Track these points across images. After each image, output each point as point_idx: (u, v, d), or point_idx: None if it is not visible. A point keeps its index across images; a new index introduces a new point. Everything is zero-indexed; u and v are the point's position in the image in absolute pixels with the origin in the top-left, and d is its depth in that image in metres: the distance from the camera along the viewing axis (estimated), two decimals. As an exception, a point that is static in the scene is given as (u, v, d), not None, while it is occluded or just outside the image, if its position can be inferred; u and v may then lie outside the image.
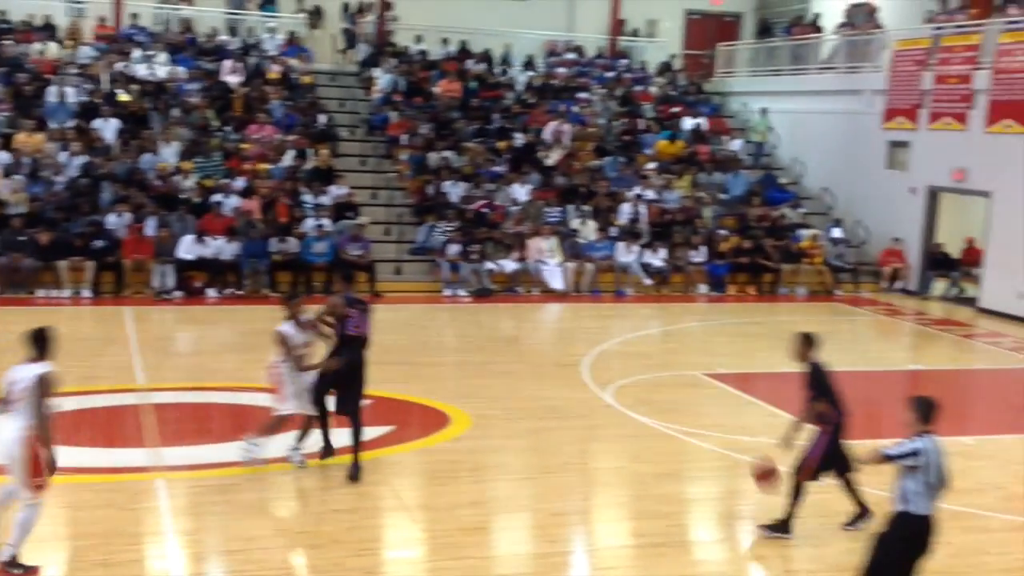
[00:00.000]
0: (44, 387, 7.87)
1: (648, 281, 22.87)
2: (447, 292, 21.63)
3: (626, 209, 24.27)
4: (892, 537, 7.08)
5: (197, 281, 20.45)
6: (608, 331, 19.29)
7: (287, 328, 10.47)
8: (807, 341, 9.29)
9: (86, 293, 19.84)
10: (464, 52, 30.31)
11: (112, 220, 20.71)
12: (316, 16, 31.14)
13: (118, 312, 18.77)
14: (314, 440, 10.73)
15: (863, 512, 9.42)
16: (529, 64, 30.67)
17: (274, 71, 27.12)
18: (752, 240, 23.88)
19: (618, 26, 32.81)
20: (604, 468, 11.70)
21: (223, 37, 29.03)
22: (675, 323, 20.19)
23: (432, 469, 11.05)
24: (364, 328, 10.53)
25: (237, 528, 9.20)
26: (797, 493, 9.24)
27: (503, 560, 8.94)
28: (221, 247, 20.65)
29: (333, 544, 8.91)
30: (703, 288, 23.24)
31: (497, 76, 29.71)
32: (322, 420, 10.76)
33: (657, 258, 23.17)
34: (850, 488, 9.41)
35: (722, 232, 24.06)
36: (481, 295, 21.65)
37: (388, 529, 9.65)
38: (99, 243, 20.07)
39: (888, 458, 7.00)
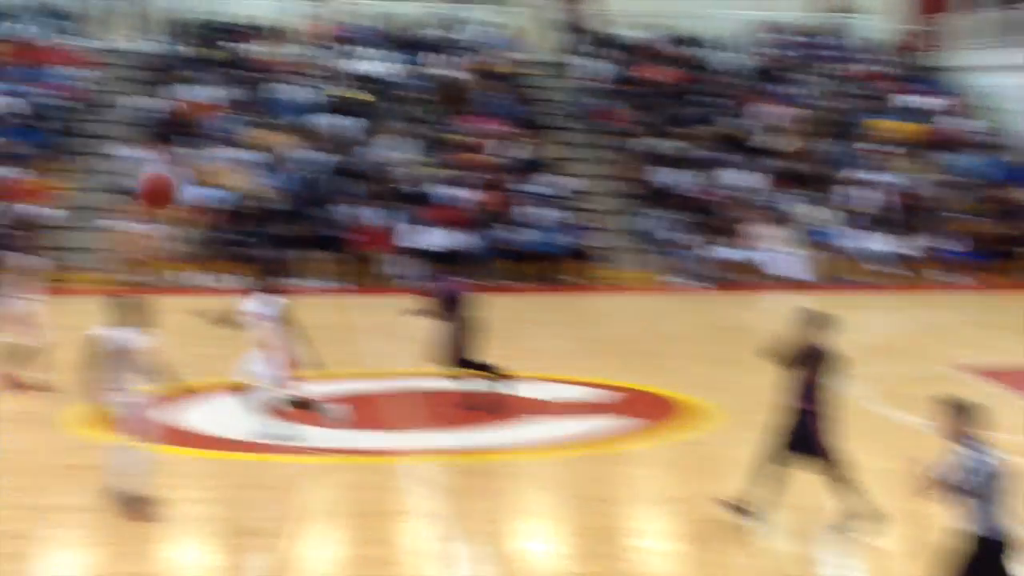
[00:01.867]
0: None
1: (892, 269, 21.99)
2: (674, 280, 21.36)
3: (859, 194, 23.36)
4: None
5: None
6: (854, 323, 18.50)
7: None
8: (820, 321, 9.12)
9: (332, 284, 20.60)
10: (674, 38, 29.73)
11: (352, 213, 21.47)
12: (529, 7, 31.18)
13: (366, 302, 19.59)
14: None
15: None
16: (741, 47, 29.80)
17: (490, 63, 27.37)
18: (1008, 225, 22.60)
19: (833, 3, 31.54)
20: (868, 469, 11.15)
21: (436, 32, 29.39)
22: (927, 313, 19.23)
23: (685, 461, 10.85)
24: None
25: (492, 510, 9.28)
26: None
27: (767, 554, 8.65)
28: (455, 238, 21.02)
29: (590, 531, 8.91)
30: (952, 277, 22.21)
31: (709, 60, 29.02)
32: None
33: (902, 246, 22.24)
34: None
35: (970, 217, 22.82)
36: (708, 283, 21.29)
37: (647, 520, 9.48)
38: (341, 235, 20.88)
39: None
